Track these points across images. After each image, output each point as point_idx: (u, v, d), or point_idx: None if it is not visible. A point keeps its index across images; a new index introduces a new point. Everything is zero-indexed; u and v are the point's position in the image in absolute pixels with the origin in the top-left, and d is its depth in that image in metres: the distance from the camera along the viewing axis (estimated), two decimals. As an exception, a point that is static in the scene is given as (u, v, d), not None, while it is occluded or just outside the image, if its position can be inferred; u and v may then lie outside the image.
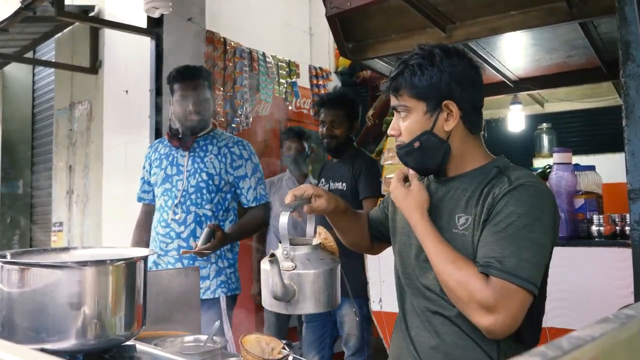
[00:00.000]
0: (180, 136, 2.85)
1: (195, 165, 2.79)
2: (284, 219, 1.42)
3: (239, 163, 2.82)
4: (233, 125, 5.08)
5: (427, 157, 1.53)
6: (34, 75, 7.77)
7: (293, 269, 1.42)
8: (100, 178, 5.66)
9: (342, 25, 3.64)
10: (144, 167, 3.00)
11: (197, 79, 2.82)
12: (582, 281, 2.55)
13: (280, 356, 1.45)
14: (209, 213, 2.75)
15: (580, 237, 2.70)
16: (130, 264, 1.30)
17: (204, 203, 2.74)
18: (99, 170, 5.68)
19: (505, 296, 1.29)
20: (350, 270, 3.14)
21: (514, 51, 3.72)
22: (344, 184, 3.28)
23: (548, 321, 2.70)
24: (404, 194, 1.54)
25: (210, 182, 2.75)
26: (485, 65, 3.85)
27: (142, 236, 2.96)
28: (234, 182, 2.82)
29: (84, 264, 1.22)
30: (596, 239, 2.63)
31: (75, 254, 1.48)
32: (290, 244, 1.45)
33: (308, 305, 1.44)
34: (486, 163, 1.54)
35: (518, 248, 1.33)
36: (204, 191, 2.75)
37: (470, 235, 1.44)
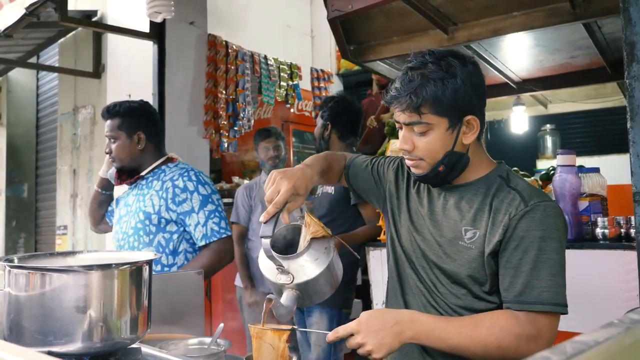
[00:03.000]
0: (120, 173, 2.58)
1: (139, 204, 2.46)
2: (266, 245, 1.38)
3: (182, 197, 2.41)
4: (235, 128, 5.09)
5: (448, 175, 1.48)
6: (37, 80, 7.81)
7: (291, 282, 1.41)
8: (104, 182, 5.67)
9: (344, 28, 3.64)
10: None
11: (114, 118, 2.53)
12: (586, 284, 2.53)
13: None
14: (159, 256, 2.38)
15: (584, 239, 2.68)
16: (135, 268, 1.30)
17: (141, 247, 2.40)
18: (103, 174, 5.69)
19: (546, 324, 1.33)
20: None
21: (517, 52, 3.71)
22: (333, 188, 3.26)
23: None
24: (374, 335, 1.35)
25: (147, 222, 2.40)
26: (488, 66, 3.84)
27: None
28: (179, 220, 2.42)
29: (89, 268, 1.22)
30: (601, 242, 2.61)
31: (81, 257, 1.48)
32: (279, 239, 1.47)
33: (314, 300, 1.48)
34: (489, 172, 1.51)
35: (550, 274, 1.34)
36: (141, 232, 2.41)
37: (477, 250, 1.42)
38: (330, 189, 3.29)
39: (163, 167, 2.57)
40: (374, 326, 1.34)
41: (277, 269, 1.42)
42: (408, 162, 1.51)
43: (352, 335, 1.36)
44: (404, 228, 1.61)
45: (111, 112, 2.53)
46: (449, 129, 1.42)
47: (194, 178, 2.47)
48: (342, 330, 1.38)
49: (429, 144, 1.43)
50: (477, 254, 1.42)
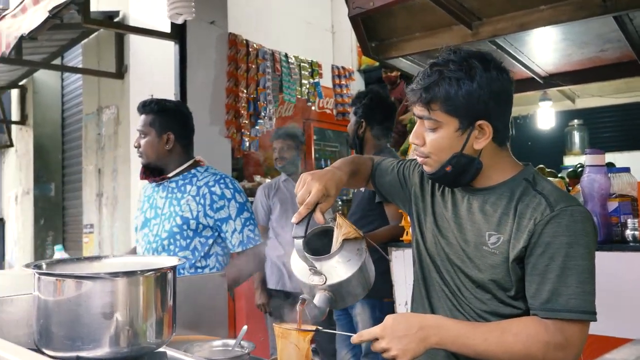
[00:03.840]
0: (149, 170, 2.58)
1: (172, 208, 2.46)
2: (298, 245, 1.39)
3: (220, 204, 2.45)
4: (257, 127, 5.10)
5: (458, 177, 1.46)
6: (62, 80, 7.92)
7: (324, 283, 1.41)
8: (128, 181, 5.73)
9: (365, 24, 3.61)
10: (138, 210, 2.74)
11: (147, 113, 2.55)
12: (615, 287, 2.47)
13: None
14: (183, 261, 2.37)
15: (613, 241, 2.60)
16: (160, 274, 1.30)
17: (178, 250, 2.43)
18: (127, 173, 5.75)
19: (575, 333, 1.31)
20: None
21: (544, 46, 3.65)
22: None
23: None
24: (398, 340, 1.33)
25: (185, 226, 2.42)
26: (513, 61, 3.79)
27: None
28: (216, 226, 2.46)
29: (115, 274, 1.23)
30: (631, 244, 2.54)
31: (107, 263, 1.49)
32: (311, 241, 1.45)
33: (347, 301, 1.48)
34: (514, 175, 1.47)
35: (578, 281, 1.31)
36: (178, 237, 2.42)
37: (501, 255, 1.40)
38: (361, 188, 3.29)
39: (192, 170, 2.56)
40: (398, 331, 1.33)
41: (310, 270, 1.42)
42: (418, 158, 1.51)
43: (377, 339, 1.35)
44: (428, 231, 1.60)
45: (146, 107, 2.55)
46: (458, 130, 1.40)
47: (230, 186, 2.50)
48: (366, 334, 1.37)
49: (436, 141, 1.42)
50: (501, 260, 1.40)
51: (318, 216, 1.43)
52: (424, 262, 1.61)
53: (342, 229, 1.46)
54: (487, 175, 1.47)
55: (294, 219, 1.42)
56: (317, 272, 1.41)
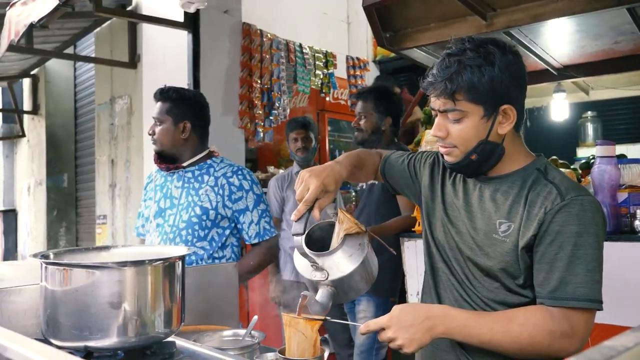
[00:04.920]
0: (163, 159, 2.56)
1: (189, 198, 2.46)
2: (298, 242, 1.38)
3: (238, 195, 2.45)
4: (270, 117, 5.09)
5: (482, 165, 1.46)
6: (75, 70, 7.94)
7: (326, 278, 1.40)
8: (141, 171, 5.74)
9: (380, 15, 3.59)
10: (144, 200, 2.69)
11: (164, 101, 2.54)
12: (624, 277, 2.48)
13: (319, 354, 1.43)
14: (201, 251, 2.43)
15: (622, 232, 2.62)
16: (168, 264, 1.30)
17: (195, 240, 2.42)
18: (140, 164, 5.77)
19: (581, 321, 1.32)
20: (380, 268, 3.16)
21: (558, 38, 3.62)
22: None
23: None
24: (405, 330, 1.34)
25: (205, 217, 2.42)
26: (528, 52, 3.76)
27: None
28: (233, 217, 2.47)
29: (123, 264, 1.23)
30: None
31: (115, 252, 1.49)
32: (314, 236, 1.45)
33: (350, 296, 1.49)
34: (527, 164, 1.48)
35: (586, 270, 1.32)
36: (197, 227, 2.41)
37: (511, 243, 1.41)
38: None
39: (208, 161, 2.55)
40: (405, 321, 1.34)
41: (312, 266, 1.41)
42: (441, 150, 1.49)
43: (383, 329, 1.35)
44: (438, 220, 1.60)
45: (164, 95, 2.53)
46: (483, 117, 1.40)
47: (248, 177, 2.52)
48: (373, 324, 1.38)
49: (463, 131, 1.41)
50: (510, 248, 1.40)
51: (316, 213, 1.43)
52: (432, 252, 1.61)
53: (344, 224, 1.46)
54: (502, 163, 1.47)
55: (293, 217, 1.42)
56: (319, 268, 1.41)
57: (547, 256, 1.35)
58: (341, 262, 1.42)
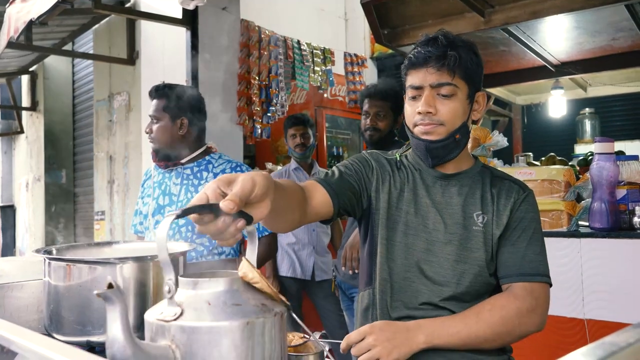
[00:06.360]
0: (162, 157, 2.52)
1: (189, 195, 2.43)
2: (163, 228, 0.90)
3: None
4: (268, 114, 5.09)
5: (454, 150, 1.50)
6: (73, 66, 7.93)
7: (175, 318, 0.87)
8: (139, 168, 5.75)
9: (378, 12, 3.60)
10: (141, 197, 2.65)
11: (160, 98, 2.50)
12: (623, 274, 2.50)
13: (301, 341, 1.36)
14: (200, 248, 2.39)
15: (621, 228, 2.65)
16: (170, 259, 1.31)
17: (195, 237, 2.37)
18: (139, 160, 5.77)
19: (542, 294, 1.45)
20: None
21: (556, 34, 3.63)
22: None
23: (587, 313, 2.67)
24: (386, 339, 1.34)
25: None
26: (526, 49, 3.77)
27: None
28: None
29: (125, 260, 1.23)
30: (638, 231, 2.58)
31: (117, 248, 1.51)
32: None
33: None
34: (474, 164, 1.59)
35: (542, 251, 1.49)
36: None
37: (488, 232, 1.49)
38: None
39: (207, 157, 2.53)
40: (387, 331, 1.36)
41: (165, 286, 0.93)
42: (425, 128, 1.46)
43: (363, 339, 1.35)
44: (398, 224, 1.52)
45: (159, 92, 2.51)
46: (467, 97, 1.48)
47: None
48: (354, 334, 1.37)
49: (453, 108, 1.45)
50: (487, 237, 1.48)
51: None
52: (396, 259, 1.51)
53: (247, 275, 0.97)
54: (459, 160, 1.54)
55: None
56: (172, 296, 0.91)
57: (511, 239, 1.48)
58: (218, 303, 0.90)
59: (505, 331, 1.39)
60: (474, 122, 1.58)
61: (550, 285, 1.47)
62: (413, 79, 1.48)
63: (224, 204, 0.90)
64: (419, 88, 1.46)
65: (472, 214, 1.49)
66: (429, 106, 1.44)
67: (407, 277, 1.49)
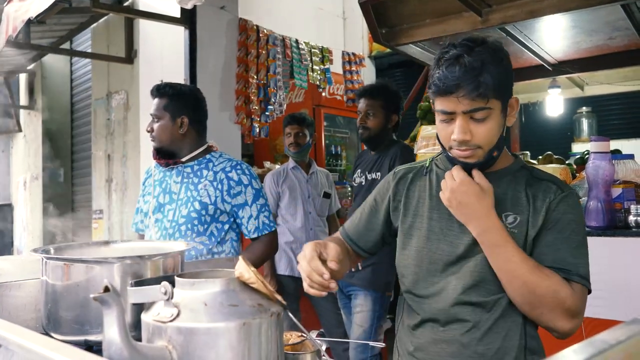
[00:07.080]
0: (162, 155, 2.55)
1: (189, 193, 2.45)
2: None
3: (237, 190, 2.44)
4: (267, 113, 5.09)
5: (490, 164, 1.47)
6: (71, 65, 7.91)
7: (172, 319, 0.88)
8: (138, 166, 5.75)
9: (376, 11, 3.61)
10: (142, 195, 2.67)
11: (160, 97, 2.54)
12: (618, 272, 2.51)
13: (298, 340, 1.37)
14: (200, 246, 2.42)
15: (617, 227, 2.66)
16: (168, 259, 1.31)
17: (195, 236, 2.41)
18: (137, 159, 5.77)
19: (583, 300, 1.40)
20: (373, 264, 3.17)
21: (553, 34, 3.64)
22: (379, 174, 3.24)
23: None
24: (478, 193, 1.41)
25: (204, 212, 2.41)
26: (523, 48, 3.78)
27: None
28: (232, 212, 2.46)
29: (123, 259, 1.24)
30: (634, 229, 2.59)
31: (115, 247, 1.51)
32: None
33: None
34: (511, 163, 1.53)
35: (582, 253, 1.42)
36: (196, 222, 2.41)
37: (520, 233, 1.44)
38: (375, 175, 3.25)
39: (207, 156, 2.55)
40: (468, 195, 1.42)
41: (161, 288, 0.95)
42: (462, 153, 1.42)
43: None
44: (421, 230, 1.56)
45: (160, 91, 2.53)
46: (502, 111, 1.42)
47: (247, 172, 2.50)
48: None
49: (490, 130, 1.39)
50: (519, 239, 1.43)
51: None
52: (425, 263, 1.55)
53: (242, 275, 0.98)
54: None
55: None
56: (169, 297, 0.93)
57: (558, 242, 1.42)
58: (214, 305, 0.92)
59: (537, 300, 1.36)
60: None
61: (590, 291, 1.42)
62: (443, 104, 1.39)
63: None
64: (451, 113, 1.39)
65: (501, 214, 1.44)
66: (464, 134, 1.37)
67: (434, 282, 1.51)
